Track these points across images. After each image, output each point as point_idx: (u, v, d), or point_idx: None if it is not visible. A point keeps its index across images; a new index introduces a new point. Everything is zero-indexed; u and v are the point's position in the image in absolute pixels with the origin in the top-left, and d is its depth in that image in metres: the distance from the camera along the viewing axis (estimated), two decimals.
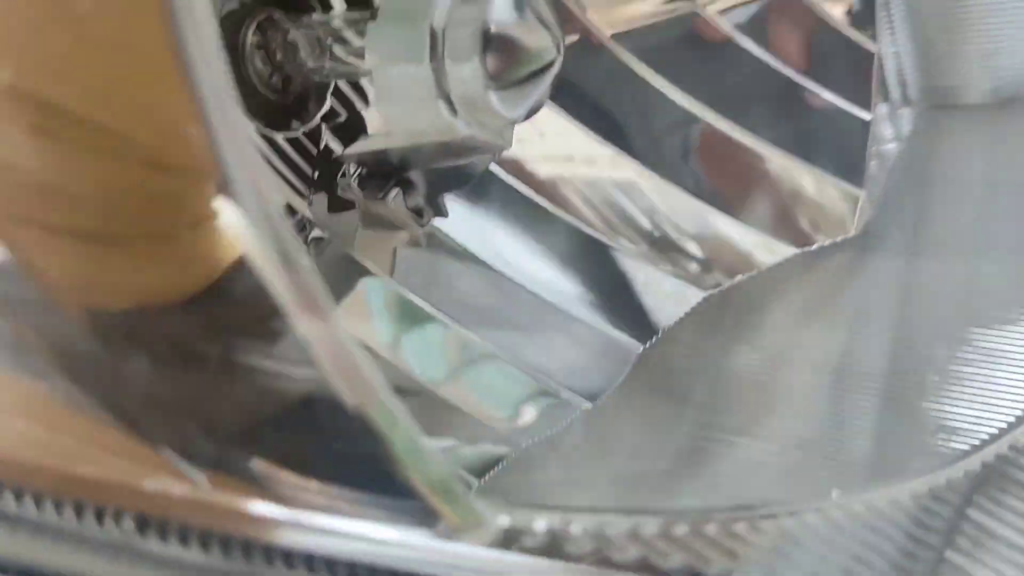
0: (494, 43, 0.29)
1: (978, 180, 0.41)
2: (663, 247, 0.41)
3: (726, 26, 0.41)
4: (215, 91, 0.17)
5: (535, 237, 0.40)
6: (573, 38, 0.39)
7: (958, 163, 0.41)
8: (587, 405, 0.35)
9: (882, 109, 0.41)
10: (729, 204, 0.40)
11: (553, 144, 0.41)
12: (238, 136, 0.18)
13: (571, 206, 0.41)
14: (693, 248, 0.41)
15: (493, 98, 0.29)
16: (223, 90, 0.18)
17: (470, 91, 0.29)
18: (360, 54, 0.32)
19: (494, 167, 0.39)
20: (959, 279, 0.38)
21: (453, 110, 0.30)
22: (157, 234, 0.20)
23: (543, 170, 0.41)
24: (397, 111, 0.30)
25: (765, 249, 0.40)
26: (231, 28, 0.33)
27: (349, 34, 0.32)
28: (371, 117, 0.35)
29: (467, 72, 0.29)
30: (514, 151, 0.36)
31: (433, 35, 0.29)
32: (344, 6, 0.34)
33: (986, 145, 0.42)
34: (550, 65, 0.30)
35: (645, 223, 0.41)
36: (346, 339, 0.18)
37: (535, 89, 0.30)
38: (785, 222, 0.40)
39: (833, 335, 0.37)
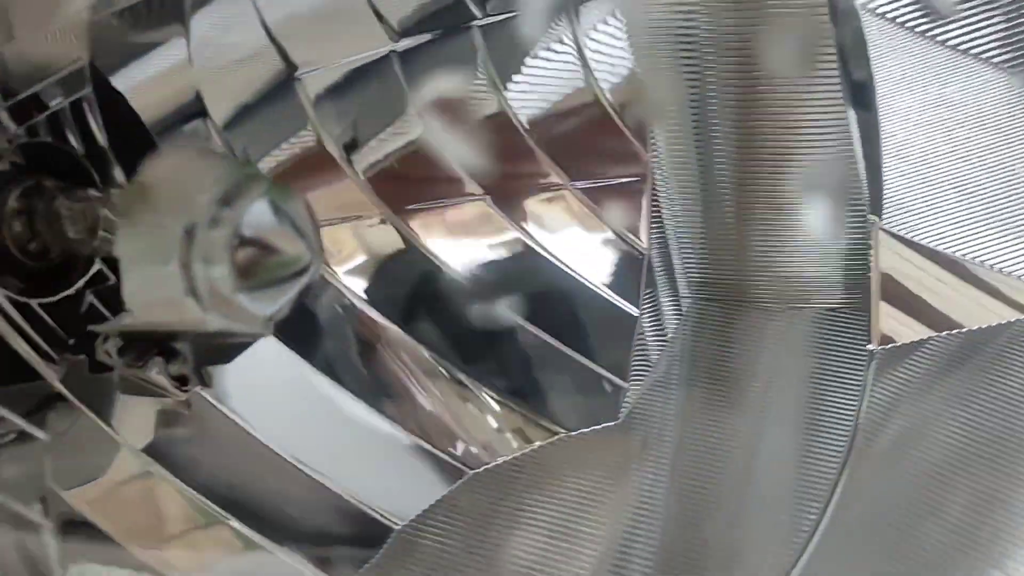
0: (245, 248, 0.29)
1: (738, 379, 0.44)
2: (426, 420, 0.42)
3: None
4: None
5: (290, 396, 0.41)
6: None
7: (720, 361, 0.44)
8: None
9: (647, 306, 0.43)
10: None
11: None
12: None
13: None
14: (461, 425, 0.42)
15: (243, 299, 0.30)
16: None
17: (220, 291, 0.30)
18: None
19: None
20: (726, 480, 0.41)
21: (203, 306, 0.30)
22: None
23: None
24: (147, 306, 0.30)
25: (535, 427, 0.42)
26: None
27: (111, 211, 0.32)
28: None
29: (216, 274, 0.29)
30: None
31: (187, 234, 0.29)
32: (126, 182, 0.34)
33: (748, 345, 0.45)
34: (304, 271, 0.31)
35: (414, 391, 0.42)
36: None
37: (287, 292, 0.31)
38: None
39: (612, 527, 0.39)
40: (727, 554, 0.42)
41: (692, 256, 0.45)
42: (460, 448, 0.41)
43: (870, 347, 0.39)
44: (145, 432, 0.38)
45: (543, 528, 0.41)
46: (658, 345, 0.44)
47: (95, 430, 0.36)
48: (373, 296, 0.41)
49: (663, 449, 0.43)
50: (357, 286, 0.41)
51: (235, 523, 0.38)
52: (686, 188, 0.44)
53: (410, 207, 0.41)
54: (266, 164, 0.39)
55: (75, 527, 0.37)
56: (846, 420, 0.39)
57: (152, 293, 0.30)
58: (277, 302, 0.31)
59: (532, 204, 0.42)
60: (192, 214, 0.29)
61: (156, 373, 0.36)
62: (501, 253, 0.42)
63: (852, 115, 0.38)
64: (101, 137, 0.34)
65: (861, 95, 0.39)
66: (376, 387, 0.41)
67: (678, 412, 0.43)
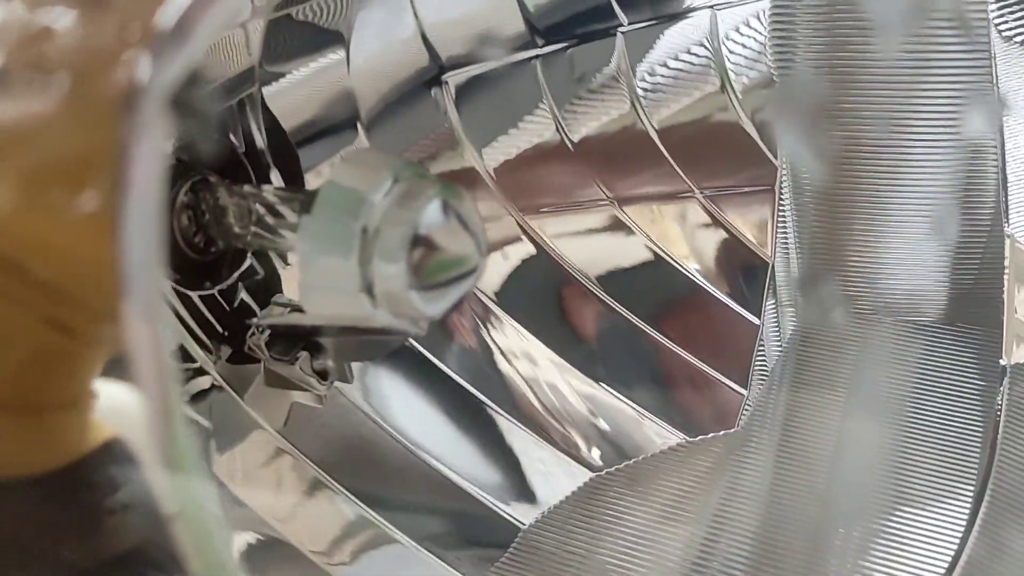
0: (421, 247, 0.30)
1: (841, 386, 0.44)
2: (554, 421, 0.42)
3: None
4: (143, 262, 0.17)
5: (424, 395, 0.41)
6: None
7: (828, 369, 0.44)
8: None
9: (770, 315, 0.44)
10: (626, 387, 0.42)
11: None
12: (151, 309, 0.18)
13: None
14: (584, 426, 0.42)
15: (414, 297, 0.30)
16: (151, 262, 0.18)
17: (393, 289, 0.30)
18: (289, 228, 0.33)
19: None
20: (821, 484, 0.41)
21: (375, 303, 0.30)
22: (30, 404, 0.20)
23: None
24: (320, 299, 0.30)
25: (655, 435, 0.42)
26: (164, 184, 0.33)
27: (283, 209, 0.33)
28: (293, 288, 0.35)
29: (392, 271, 0.30)
30: None
31: (365, 232, 0.29)
32: (281, 182, 0.34)
33: (855, 353, 0.45)
34: (472, 271, 0.31)
35: (539, 395, 0.43)
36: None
37: (456, 292, 0.31)
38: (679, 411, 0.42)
39: (695, 531, 0.39)
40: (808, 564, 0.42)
41: (807, 264, 0.45)
42: (584, 449, 0.41)
43: (1002, 362, 0.39)
44: (280, 420, 0.39)
45: (642, 527, 0.41)
46: (776, 353, 0.44)
47: (238, 413, 0.36)
48: (501, 299, 0.41)
49: (758, 454, 0.43)
50: (487, 287, 0.41)
51: (359, 505, 0.39)
52: (807, 196, 0.44)
53: (540, 210, 0.42)
54: None
55: None
56: (975, 438, 0.39)
57: (328, 288, 0.30)
58: (446, 302, 0.31)
59: (659, 210, 0.42)
60: (371, 213, 0.30)
61: (301, 368, 0.37)
62: (628, 259, 0.42)
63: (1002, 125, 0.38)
64: (260, 138, 0.35)
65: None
66: (502, 388, 0.41)
67: (779, 417, 0.43)
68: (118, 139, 0.15)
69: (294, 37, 0.35)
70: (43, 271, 0.19)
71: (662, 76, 0.41)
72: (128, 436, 0.18)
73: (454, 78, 0.39)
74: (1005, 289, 0.40)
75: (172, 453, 0.17)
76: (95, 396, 0.18)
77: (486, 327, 0.41)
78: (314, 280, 0.30)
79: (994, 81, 0.38)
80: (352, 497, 0.38)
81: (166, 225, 0.32)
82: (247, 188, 0.34)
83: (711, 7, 0.39)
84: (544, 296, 0.41)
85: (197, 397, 0.34)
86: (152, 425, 0.17)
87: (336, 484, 0.38)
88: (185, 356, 0.34)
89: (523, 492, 0.41)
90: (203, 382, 0.35)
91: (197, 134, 0.31)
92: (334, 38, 0.35)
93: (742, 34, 0.40)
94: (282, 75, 0.35)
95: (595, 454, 0.41)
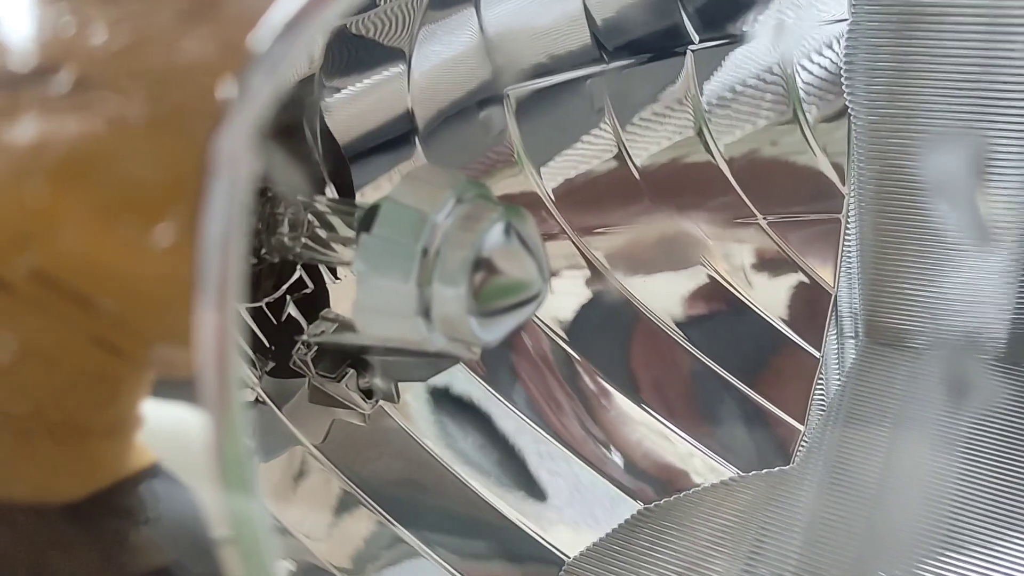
0: (483, 272, 0.29)
1: (890, 421, 0.42)
2: (598, 446, 0.41)
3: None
4: (222, 286, 0.16)
5: (476, 422, 0.40)
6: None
7: (877, 403, 0.43)
8: None
9: (832, 347, 0.42)
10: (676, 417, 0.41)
11: None
12: (224, 327, 0.17)
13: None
14: (628, 454, 0.41)
15: (473, 323, 0.29)
16: (230, 287, 0.17)
17: (451, 313, 0.29)
18: (341, 242, 0.32)
19: None
20: (863, 522, 0.39)
21: (431, 327, 0.29)
22: (76, 429, 0.19)
23: None
24: (374, 320, 0.29)
25: (706, 468, 0.41)
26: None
27: (337, 222, 0.32)
28: (342, 303, 0.34)
29: (452, 295, 0.28)
30: None
31: (425, 254, 0.28)
32: (334, 194, 0.33)
33: (903, 387, 0.44)
34: (534, 297, 0.30)
35: (582, 419, 0.41)
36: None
37: (515, 319, 0.30)
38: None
39: (731, 565, 0.38)
40: None
41: (868, 295, 0.44)
42: (632, 481, 0.40)
43: None
44: (319, 435, 0.38)
45: (682, 563, 0.40)
46: (836, 386, 0.43)
47: (277, 426, 0.35)
48: (559, 324, 0.40)
49: (803, 489, 0.41)
50: (545, 314, 0.40)
51: (385, 518, 0.37)
52: (870, 226, 0.42)
53: (596, 231, 0.41)
54: None
55: None
56: None
57: (383, 309, 0.29)
58: (504, 328, 0.30)
59: (720, 234, 0.41)
60: (433, 234, 0.29)
61: (347, 386, 0.36)
62: (685, 285, 0.41)
63: None
64: (316, 150, 0.34)
65: None
66: (550, 415, 0.40)
67: (829, 452, 0.42)
68: (203, 167, 0.14)
69: (356, 49, 0.34)
70: (101, 295, 0.18)
71: (731, 98, 0.39)
72: (174, 459, 0.18)
73: (515, 92, 0.38)
74: None
75: (232, 474, 0.16)
76: (140, 420, 0.18)
77: (534, 350, 0.40)
78: (370, 300, 0.29)
79: None
80: (385, 515, 0.37)
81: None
82: (301, 198, 0.33)
83: (783, 28, 0.37)
84: (595, 319, 0.40)
85: None
86: (214, 445, 0.16)
87: (369, 501, 0.37)
88: None
89: (561, 517, 0.40)
90: (245, 396, 0.34)
91: (284, 162, 0.30)
92: (396, 52, 0.34)
93: (813, 62, 0.38)
94: (340, 88, 0.34)
95: (638, 483, 0.40)
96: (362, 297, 0.29)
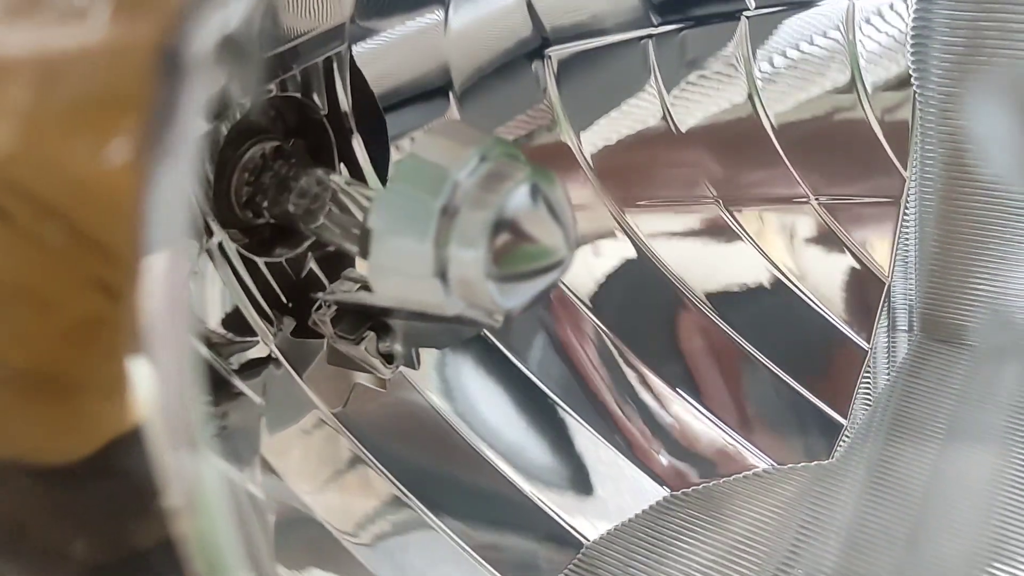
0: (504, 234, 0.27)
1: (943, 423, 0.40)
2: (632, 430, 0.39)
3: None
4: (169, 218, 0.15)
5: (503, 397, 0.38)
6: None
7: (930, 404, 0.40)
8: None
9: (882, 339, 0.40)
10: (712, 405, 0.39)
11: None
12: (173, 267, 0.16)
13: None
14: (661, 438, 0.39)
15: (492, 287, 0.27)
16: (179, 217, 0.15)
17: (469, 276, 0.27)
18: (355, 227, 0.31)
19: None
20: (907, 528, 0.37)
21: (448, 290, 0.28)
22: (69, 384, 0.18)
23: None
24: (389, 280, 0.28)
25: (741, 457, 0.39)
26: (237, 140, 0.31)
27: (348, 201, 0.30)
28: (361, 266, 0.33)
29: (470, 257, 0.27)
30: None
31: (444, 213, 0.27)
32: (363, 148, 0.32)
33: (958, 389, 0.41)
34: (557, 264, 0.28)
35: (618, 400, 0.40)
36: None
37: (537, 286, 0.28)
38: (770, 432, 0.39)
39: (767, 564, 0.36)
40: None
41: (927, 287, 0.41)
42: (660, 466, 0.38)
43: None
44: (339, 401, 0.36)
45: (711, 556, 0.38)
46: (884, 380, 0.40)
47: (295, 390, 0.34)
48: (595, 302, 0.38)
49: (846, 489, 0.39)
50: (575, 284, 0.38)
51: (408, 497, 0.36)
52: (934, 212, 0.40)
53: (637, 203, 0.39)
54: None
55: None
56: None
57: (399, 268, 0.28)
58: (525, 296, 0.28)
59: (769, 215, 0.39)
60: (454, 193, 0.27)
61: (367, 348, 0.35)
62: (729, 266, 0.39)
63: None
64: (345, 98, 0.32)
65: None
66: (577, 389, 0.38)
67: (875, 451, 0.39)
68: (157, 82, 0.13)
69: None
70: (85, 219, 0.17)
71: (785, 65, 0.37)
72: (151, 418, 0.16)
73: (557, 53, 0.36)
74: None
75: (183, 434, 0.15)
76: (132, 377, 0.16)
77: (569, 325, 0.38)
78: (385, 259, 0.28)
79: None
80: (392, 479, 0.36)
81: (205, 181, 0.30)
82: (319, 172, 0.32)
83: None
84: (633, 298, 0.38)
85: (250, 368, 0.32)
86: (163, 402, 0.15)
87: (378, 465, 0.36)
88: (244, 325, 0.32)
89: (585, 498, 0.38)
90: (258, 352, 0.33)
91: (243, 83, 0.29)
92: None
93: (874, 26, 0.36)
94: (374, 32, 0.32)
95: (668, 470, 0.38)
96: (377, 255, 0.28)
